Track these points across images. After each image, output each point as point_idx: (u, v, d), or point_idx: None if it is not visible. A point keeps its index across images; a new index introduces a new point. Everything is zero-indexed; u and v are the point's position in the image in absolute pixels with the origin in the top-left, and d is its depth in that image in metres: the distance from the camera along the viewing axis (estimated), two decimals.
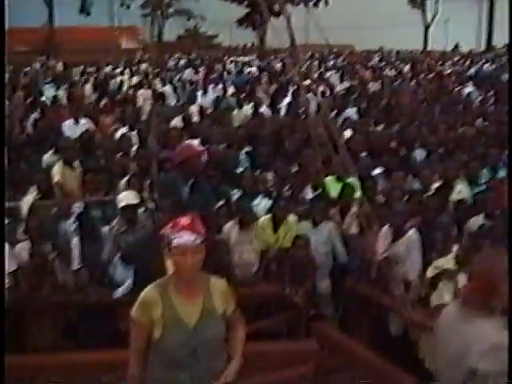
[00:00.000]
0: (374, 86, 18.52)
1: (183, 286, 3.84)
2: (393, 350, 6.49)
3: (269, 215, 7.30)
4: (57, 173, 8.11)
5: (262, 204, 7.67)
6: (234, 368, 3.97)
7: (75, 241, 6.91)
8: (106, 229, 7.12)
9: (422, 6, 52.52)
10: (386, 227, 6.82)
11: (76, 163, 8.47)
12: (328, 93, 16.52)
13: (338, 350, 6.35)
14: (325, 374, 6.36)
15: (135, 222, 7.03)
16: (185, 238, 3.72)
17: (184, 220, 3.80)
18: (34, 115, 12.93)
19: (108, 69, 23.91)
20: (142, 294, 3.83)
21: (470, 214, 7.41)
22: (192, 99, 14.87)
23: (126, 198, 7.02)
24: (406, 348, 6.22)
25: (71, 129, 10.94)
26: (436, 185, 8.05)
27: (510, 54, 13.86)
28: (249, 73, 22.27)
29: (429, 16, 52.25)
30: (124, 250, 6.71)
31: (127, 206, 6.93)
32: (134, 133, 10.27)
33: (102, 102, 14.93)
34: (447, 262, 6.43)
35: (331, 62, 27.09)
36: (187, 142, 9.08)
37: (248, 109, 13.46)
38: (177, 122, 11.58)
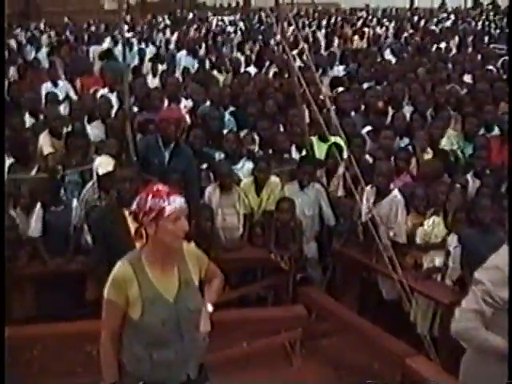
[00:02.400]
0: (359, 44, 18.23)
1: (158, 259, 3.59)
2: (384, 314, 6.41)
3: (251, 178, 7.05)
4: (45, 145, 7.73)
5: (245, 167, 7.41)
6: (206, 317, 3.75)
7: (37, 207, 6.64)
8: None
9: None
10: (368, 187, 6.61)
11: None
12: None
13: (325, 315, 6.23)
14: (313, 340, 6.26)
15: (109, 189, 6.77)
16: (178, 202, 3.49)
17: (164, 187, 3.58)
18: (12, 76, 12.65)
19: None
20: (114, 271, 3.57)
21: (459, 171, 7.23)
22: (174, 61, 14.54)
23: (103, 164, 6.74)
24: (398, 312, 6.06)
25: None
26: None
27: (510, 53, 13.59)
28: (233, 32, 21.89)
29: None
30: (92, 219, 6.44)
31: (105, 173, 6.67)
32: (114, 94, 9.96)
33: None
34: (436, 225, 6.26)
35: (316, 21, 26.64)
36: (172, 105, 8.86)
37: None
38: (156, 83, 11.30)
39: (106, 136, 8.16)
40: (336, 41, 18.60)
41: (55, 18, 30.05)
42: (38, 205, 6.64)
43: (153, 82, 12.05)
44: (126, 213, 4.81)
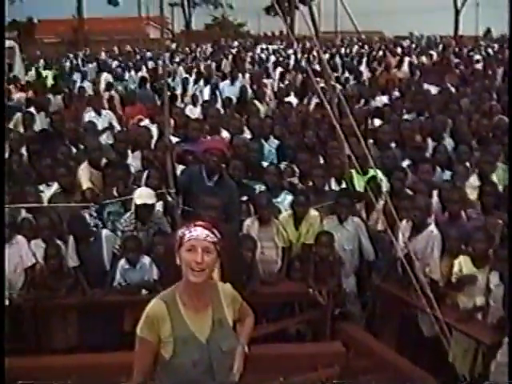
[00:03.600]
0: (402, 73, 18.09)
1: (191, 297, 3.55)
2: (423, 353, 6.27)
3: (289, 211, 7.01)
4: (84, 177, 7.79)
5: (286, 199, 7.35)
6: (240, 357, 3.65)
7: (71, 240, 6.75)
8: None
9: None
10: (403, 222, 6.53)
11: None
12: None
13: (363, 352, 6.11)
14: (351, 377, 6.15)
15: (146, 221, 6.82)
16: (198, 232, 3.47)
17: (200, 222, 3.58)
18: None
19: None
20: (148, 308, 3.52)
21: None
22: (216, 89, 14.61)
23: (142, 195, 6.79)
24: (438, 351, 5.92)
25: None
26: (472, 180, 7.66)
27: (510, 51, 13.40)
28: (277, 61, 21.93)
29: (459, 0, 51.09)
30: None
31: (142, 205, 6.71)
32: (155, 125, 10.03)
33: None
34: (464, 263, 6.14)
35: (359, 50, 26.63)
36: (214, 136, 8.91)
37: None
38: (197, 112, 11.37)
39: (143, 167, 8.20)
40: (379, 70, 18.51)
41: (103, 47, 30.63)
42: (71, 236, 6.74)
43: (193, 111, 12.12)
44: None
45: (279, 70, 18.58)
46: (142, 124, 10.52)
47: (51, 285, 6.53)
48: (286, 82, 16.19)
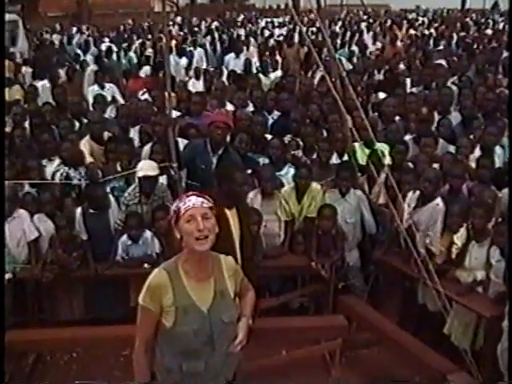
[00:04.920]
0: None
1: (194, 267, 3.56)
2: (426, 326, 6.29)
3: (292, 184, 6.98)
4: (86, 151, 7.78)
5: (290, 173, 7.31)
6: (244, 330, 3.71)
7: (78, 212, 6.78)
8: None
9: None
10: (410, 193, 6.52)
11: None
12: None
13: (366, 326, 6.13)
14: (352, 351, 6.19)
15: (150, 194, 6.81)
16: (193, 200, 3.49)
17: (191, 192, 3.63)
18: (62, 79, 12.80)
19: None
20: (150, 278, 3.54)
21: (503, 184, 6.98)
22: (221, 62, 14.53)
23: (145, 168, 6.78)
24: (440, 324, 5.94)
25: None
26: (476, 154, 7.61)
27: (510, 53, 13.32)
28: (279, 35, 21.75)
29: None
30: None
31: (145, 177, 6.71)
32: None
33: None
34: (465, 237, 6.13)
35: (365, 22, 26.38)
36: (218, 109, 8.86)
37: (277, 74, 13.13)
38: (199, 86, 11.30)
39: (144, 141, 8.17)
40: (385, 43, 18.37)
41: (107, 20, 30.45)
42: (79, 209, 6.74)
43: (196, 85, 12.06)
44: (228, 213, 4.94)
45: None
46: (143, 97, 10.45)
47: (62, 258, 6.54)
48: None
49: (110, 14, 33.62)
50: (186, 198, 3.54)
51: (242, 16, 33.41)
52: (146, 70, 14.32)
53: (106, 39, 21.27)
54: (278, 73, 13.27)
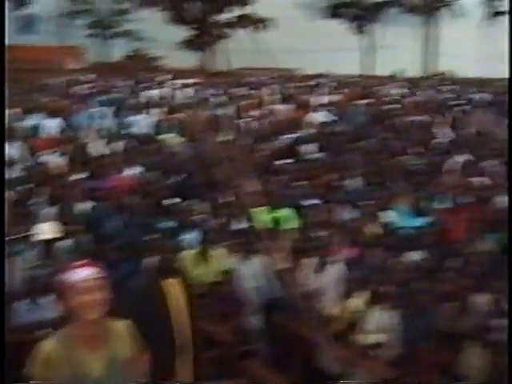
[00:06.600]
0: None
1: (85, 336, 3.51)
2: None
3: (195, 249, 7.02)
4: None
5: (194, 237, 7.35)
6: None
7: None
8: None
9: (360, 31, 52.38)
10: (307, 259, 6.71)
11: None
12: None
13: None
14: None
15: (50, 257, 6.71)
16: (84, 272, 3.48)
17: (80, 262, 3.59)
18: None
19: None
20: (41, 348, 3.48)
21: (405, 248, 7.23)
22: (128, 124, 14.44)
23: (45, 231, 6.69)
24: None
25: None
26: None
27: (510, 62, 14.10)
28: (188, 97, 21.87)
29: (368, 41, 52.08)
30: None
31: (46, 240, 6.61)
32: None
33: None
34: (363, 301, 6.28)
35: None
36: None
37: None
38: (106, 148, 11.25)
39: (49, 203, 8.03)
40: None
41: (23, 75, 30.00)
42: None
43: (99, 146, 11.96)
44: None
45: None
46: (48, 157, 10.30)
47: None
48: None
49: (24, 70, 33.21)
50: (76, 268, 3.52)
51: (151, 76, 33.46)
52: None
53: None
54: (184, 135, 13.31)
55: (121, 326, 3.74)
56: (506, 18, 48.73)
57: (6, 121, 12.60)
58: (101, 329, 3.59)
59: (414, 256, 7.12)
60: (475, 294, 6.28)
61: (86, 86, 22.51)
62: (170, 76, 29.14)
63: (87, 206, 7.41)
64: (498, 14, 51.63)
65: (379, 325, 6.13)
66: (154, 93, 19.28)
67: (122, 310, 3.80)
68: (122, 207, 6.87)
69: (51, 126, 13.23)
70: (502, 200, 8.53)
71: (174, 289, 5.08)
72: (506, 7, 48.57)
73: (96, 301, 3.45)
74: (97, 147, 11.63)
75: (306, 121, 14.26)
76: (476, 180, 9.41)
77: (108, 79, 28.35)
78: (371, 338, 6.14)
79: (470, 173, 9.67)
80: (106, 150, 11.12)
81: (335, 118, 14.83)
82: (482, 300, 6.26)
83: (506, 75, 21.15)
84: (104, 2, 51.32)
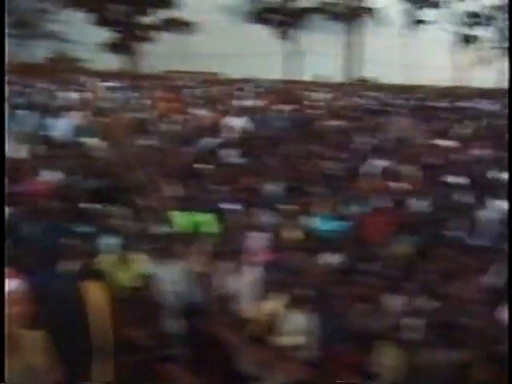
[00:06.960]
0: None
1: None
2: None
3: (115, 253, 6.98)
4: None
5: (112, 242, 7.31)
6: None
7: None
8: None
9: (284, 37, 52.76)
10: (226, 262, 6.76)
11: None
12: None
13: None
14: None
15: None
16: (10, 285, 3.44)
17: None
18: None
19: None
20: None
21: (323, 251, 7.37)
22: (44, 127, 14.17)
23: None
24: None
25: None
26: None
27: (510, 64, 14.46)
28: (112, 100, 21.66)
29: (291, 47, 52.53)
30: None
31: None
32: None
33: None
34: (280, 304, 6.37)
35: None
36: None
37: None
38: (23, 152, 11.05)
39: None
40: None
41: None
42: None
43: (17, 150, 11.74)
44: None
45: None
46: None
47: None
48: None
49: None
50: None
51: (74, 78, 32.93)
52: None
53: None
54: (105, 139, 13.17)
55: (33, 336, 3.71)
56: (426, 27, 50.47)
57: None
58: (14, 339, 3.55)
59: (332, 259, 7.28)
60: (389, 295, 6.47)
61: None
62: (92, 78, 28.87)
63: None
64: (419, 22, 53.14)
65: (296, 327, 6.23)
66: (75, 96, 19.00)
67: (39, 316, 3.77)
68: (39, 212, 6.74)
69: None
70: (418, 204, 8.82)
71: (94, 293, 5.04)
72: (426, 17, 50.18)
73: (18, 313, 3.42)
74: (14, 151, 11.41)
75: (226, 125, 14.32)
76: (394, 184, 9.67)
77: (27, 80, 27.87)
78: (288, 340, 6.24)
79: (388, 177, 9.92)
80: (24, 154, 10.95)
81: (255, 122, 14.91)
82: (395, 301, 6.45)
83: (427, 82, 21.80)
84: (26, 1, 50.16)
